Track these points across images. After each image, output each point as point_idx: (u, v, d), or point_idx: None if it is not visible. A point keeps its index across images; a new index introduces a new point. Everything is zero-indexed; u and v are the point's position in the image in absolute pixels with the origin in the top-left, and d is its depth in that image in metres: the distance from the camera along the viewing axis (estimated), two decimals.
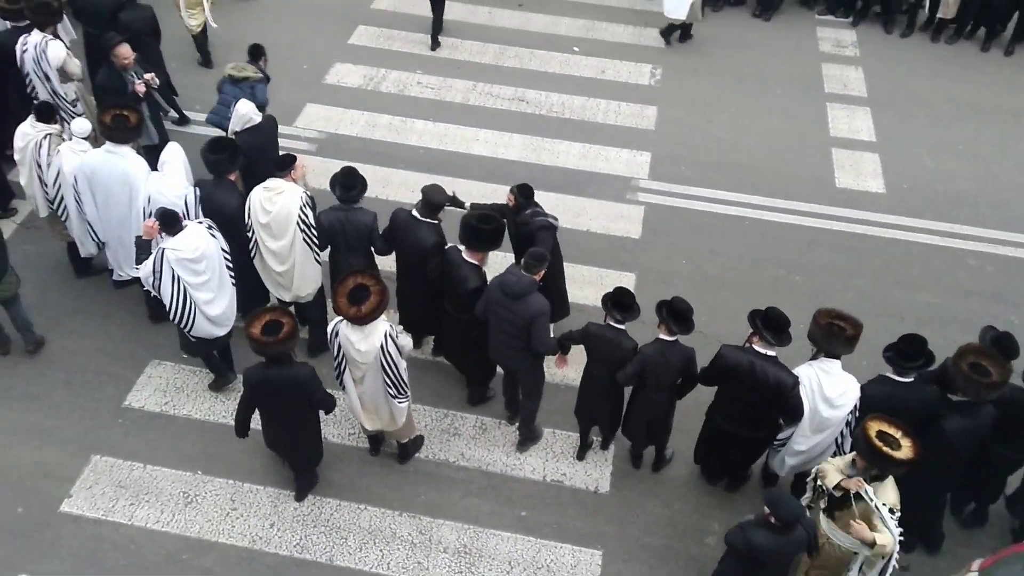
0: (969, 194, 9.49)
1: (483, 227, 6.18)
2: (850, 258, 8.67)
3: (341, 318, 5.73)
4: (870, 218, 9.15)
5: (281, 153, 6.71)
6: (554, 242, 6.87)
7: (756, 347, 5.78)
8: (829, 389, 5.68)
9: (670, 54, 11.44)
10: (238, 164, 6.83)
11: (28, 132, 7.01)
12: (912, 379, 5.69)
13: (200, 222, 6.46)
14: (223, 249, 6.49)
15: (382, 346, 5.72)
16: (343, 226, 6.60)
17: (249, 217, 6.61)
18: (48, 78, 7.95)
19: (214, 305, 6.52)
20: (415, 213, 6.51)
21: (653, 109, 10.48)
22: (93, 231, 7.13)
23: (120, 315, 7.62)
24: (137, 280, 6.80)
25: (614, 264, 8.45)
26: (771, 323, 5.74)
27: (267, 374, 5.70)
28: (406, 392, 6.03)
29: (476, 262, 6.30)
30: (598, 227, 8.84)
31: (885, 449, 4.97)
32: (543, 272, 6.13)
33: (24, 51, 7.86)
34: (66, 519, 6.27)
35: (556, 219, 6.93)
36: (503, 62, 11.11)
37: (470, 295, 6.28)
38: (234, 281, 6.65)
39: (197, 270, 6.32)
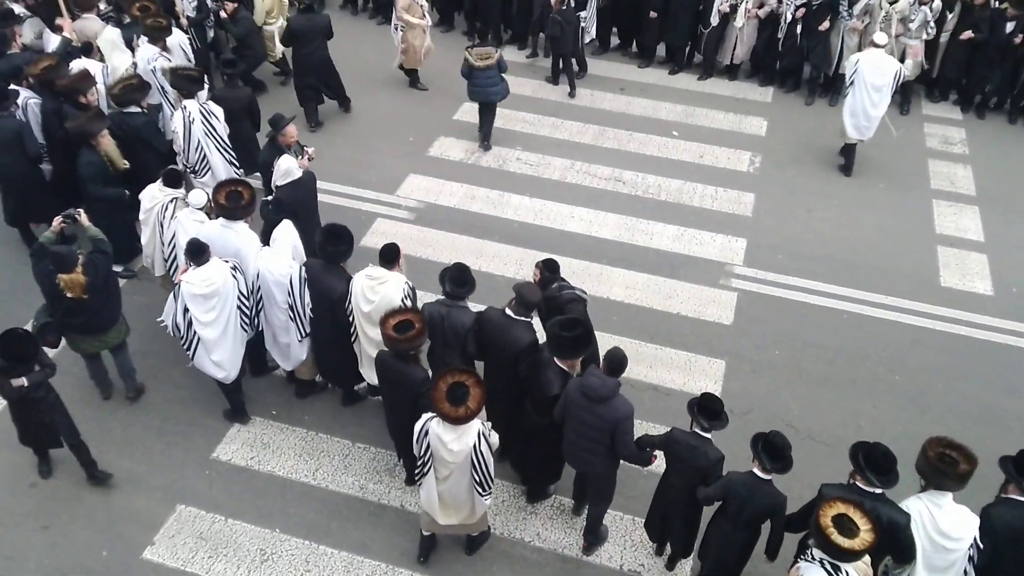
0: None
1: (564, 334, 5.97)
2: (954, 360, 8.28)
3: (432, 416, 5.64)
4: (976, 320, 8.75)
5: (386, 243, 6.79)
6: (585, 314, 6.77)
7: (860, 485, 5.28)
8: (944, 523, 5.19)
9: (771, 143, 11.38)
10: (351, 254, 6.93)
11: (156, 195, 7.44)
12: None
13: (226, 261, 6.68)
14: (241, 292, 6.69)
15: (475, 445, 5.59)
16: (443, 321, 6.50)
17: (350, 303, 6.73)
18: (219, 134, 8.57)
19: (217, 348, 6.76)
20: (508, 312, 6.39)
21: (751, 196, 10.40)
22: None
23: None
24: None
25: (703, 349, 8.29)
26: (875, 462, 5.25)
27: (391, 363, 6.19)
28: (491, 488, 5.90)
29: (566, 367, 6.07)
30: (689, 311, 8.73)
31: (835, 538, 4.67)
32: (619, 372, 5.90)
33: (192, 122, 8.41)
34: (147, 566, 6.39)
35: (585, 292, 6.88)
36: (602, 143, 11.26)
37: (552, 400, 6.05)
38: (248, 329, 6.84)
39: (207, 307, 6.58)
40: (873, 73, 10.00)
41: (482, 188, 10.33)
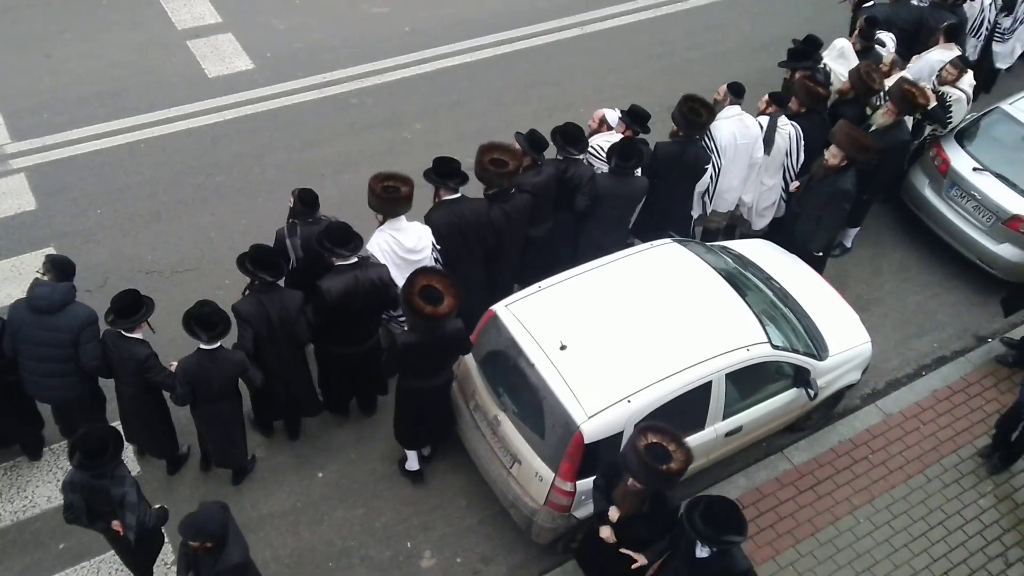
0: (325, 43, 10.05)
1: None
2: (255, 139, 8.79)
3: None
4: (254, 95, 9.26)
5: None
6: None
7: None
8: (408, 240, 6.03)
9: None
10: None
11: None
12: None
13: None
14: None
15: None
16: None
17: None
18: None
19: None
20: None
21: None
22: None
23: None
24: None
25: (25, 246, 7.48)
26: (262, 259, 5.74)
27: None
28: None
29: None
30: None
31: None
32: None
33: None
34: None
35: None
36: None
37: None
38: None
39: None
40: None
41: None
